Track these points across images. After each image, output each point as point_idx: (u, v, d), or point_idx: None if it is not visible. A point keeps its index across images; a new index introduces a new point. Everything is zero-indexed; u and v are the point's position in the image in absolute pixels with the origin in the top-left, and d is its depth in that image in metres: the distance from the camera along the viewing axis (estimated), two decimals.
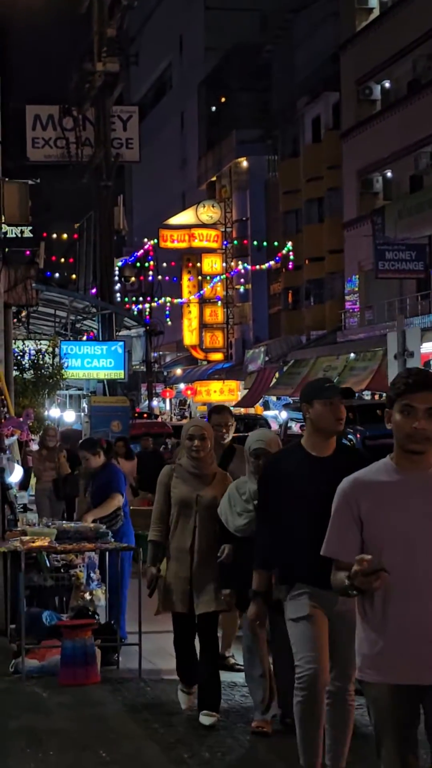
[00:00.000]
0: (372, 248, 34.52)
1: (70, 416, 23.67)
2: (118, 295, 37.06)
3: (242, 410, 40.67)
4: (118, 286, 37.97)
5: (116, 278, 28.41)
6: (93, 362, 20.10)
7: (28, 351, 16.39)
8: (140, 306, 49.27)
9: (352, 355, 34.70)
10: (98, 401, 20.45)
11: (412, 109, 34.80)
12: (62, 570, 9.51)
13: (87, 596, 9.39)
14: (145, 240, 48.50)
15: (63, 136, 21.73)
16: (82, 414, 22.08)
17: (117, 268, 28.39)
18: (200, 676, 7.20)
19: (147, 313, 48.70)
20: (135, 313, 32.22)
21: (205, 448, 7.06)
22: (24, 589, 8.92)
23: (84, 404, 21.39)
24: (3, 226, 9.57)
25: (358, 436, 13.44)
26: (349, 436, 14.03)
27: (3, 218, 9.22)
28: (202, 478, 7.11)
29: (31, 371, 16.32)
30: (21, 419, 9.30)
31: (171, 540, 7.18)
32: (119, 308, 24.09)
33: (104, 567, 9.60)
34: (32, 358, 16.40)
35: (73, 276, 30.18)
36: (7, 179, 9.39)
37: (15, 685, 8.36)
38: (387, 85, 37.59)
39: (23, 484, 12.64)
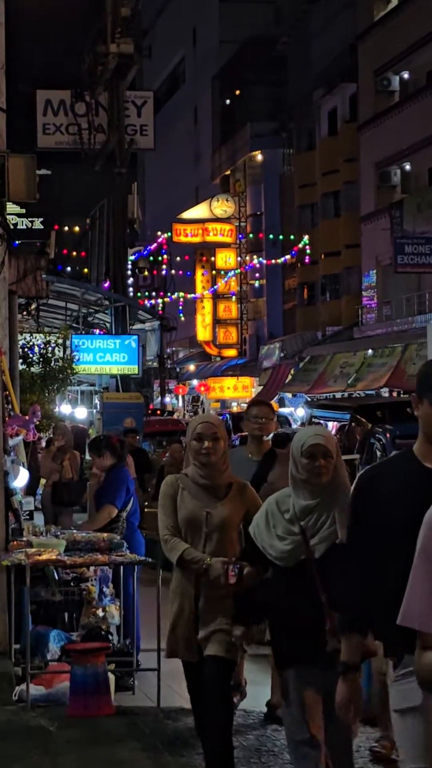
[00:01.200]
0: (390, 242, 33.61)
1: (81, 413, 22.80)
2: (131, 289, 36.24)
3: None
4: (131, 280, 37.14)
5: (129, 270, 27.66)
6: (105, 357, 19.22)
7: (36, 344, 15.36)
8: (153, 301, 48.39)
9: (369, 351, 33.79)
10: (111, 397, 19.59)
11: (431, 100, 33.84)
12: (72, 584, 8.64)
13: (99, 613, 8.51)
14: (159, 233, 47.62)
15: (75, 122, 20.83)
16: (94, 411, 21.20)
17: (130, 262, 27.52)
18: (206, 751, 5.70)
19: (160, 308, 47.84)
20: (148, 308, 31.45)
21: (218, 452, 5.52)
22: (29, 605, 8.05)
23: (96, 401, 20.52)
24: (8, 205, 8.63)
25: (388, 435, 12.57)
26: (378, 436, 13.14)
27: (8, 195, 8.28)
28: (213, 491, 5.61)
29: (39, 365, 15.27)
30: (27, 417, 8.39)
31: (177, 573, 5.71)
32: (133, 300, 23.17)
33: (118, 580, 8.72)
34: (41, 350, 15.34)
35: (85, 270, 29.31)
36: (10, 151, 8.44)
37: (18, 716, 7.48)
38: (406, 75, 36.66)
39: (30, 488, 11.75)
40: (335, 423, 15.28)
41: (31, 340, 15.10)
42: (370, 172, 37.67)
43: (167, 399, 48.66)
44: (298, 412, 36.21)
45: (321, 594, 4.84)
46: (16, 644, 8.43)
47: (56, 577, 8.46)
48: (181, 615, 5.63)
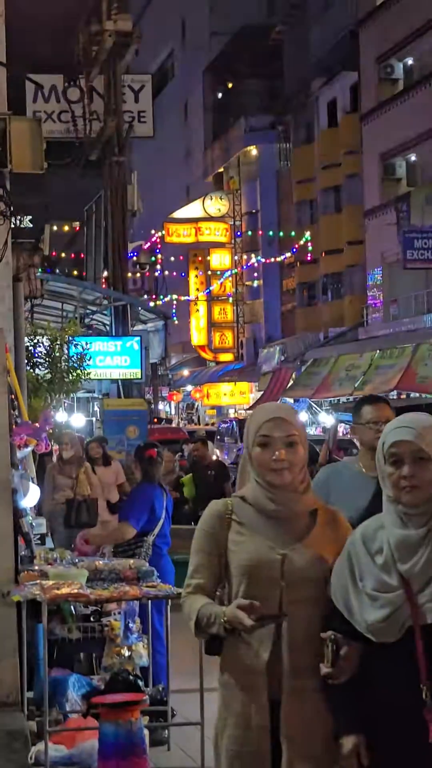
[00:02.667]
0: (397, 237, 32.33)
1: (78, 421, 21.37)
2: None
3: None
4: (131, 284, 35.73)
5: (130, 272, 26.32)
6: (106, 360, 17.80)
7: (41, 342, 13.79)
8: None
9: (377, 352, 32.43)
10: (112, 404, 18.19)
11: None
12: (92, 618, 7.25)
13: (124, 652, 7.13)
14: (153, 231, 46.17)
15: (68, 109, 19.48)
16: (94, 419, 19.81)
17: (132, 254, 26.22)
18: None
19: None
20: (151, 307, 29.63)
21: (296, 463, 3.65)
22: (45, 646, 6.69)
23: (96, 407, 19.11)
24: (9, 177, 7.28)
25: None
26: None
27: (10, 165, 6.93)
28: (290, 523, 3.68)
29: (46, 366, 13.67)
30: (37, 425, 7.03)
31: (226, 653, 3.68)
32: (135, 299, 21.77)
33: (145, 613, 7.36)
34: (47, 348, 13.74)
35: (74, 273, 27.90)
36: (12, 113, 7.10)
37: None
38: (410, 62, 35.35)
39: (41, 507, 10.37)
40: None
41: (35, 338, 13.59)
42: (373, 164, 36.34)
43: (160, 406, 47.29)
44: (322, 418, 34.80)
45: (425, 684, 3.22)
46: (29, 692, 7.06)
47: (73, 612, 7.10)
48: (247, 725, 3.56)
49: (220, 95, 52.10)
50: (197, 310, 50.80)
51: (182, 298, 48.86)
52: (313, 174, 41.65)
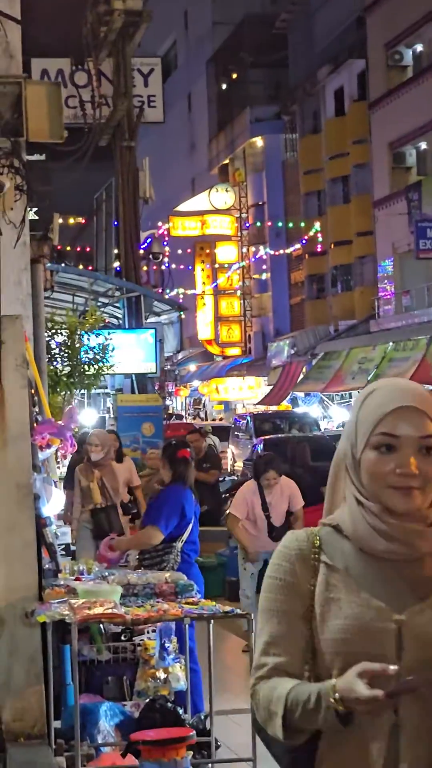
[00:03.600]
0: (408, 227, 31.59)
1: (89, 418, 20.63)
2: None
3: (269, 407, 37.64)
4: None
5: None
6: (119, 354, 17.00)
7: (59, 332, 12.80)
8: None
9: (390, 344, 31.68)
10: (126, 400, 17.44)
11: None
12: (123, 637, 6.51)
13: (159, 675, 6.40)
14: (160, 224, 45.38)
15: (76, 94, 18.70)
16: (107, 416, 19.07)
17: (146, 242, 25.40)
18: None
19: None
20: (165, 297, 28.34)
21: (428, 480, 2.38)
22: (76, 671, 5.95)
23: (109, 404, 18.35)
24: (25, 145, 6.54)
25: None
26: None
27: (27, 134, 6.19)
28: (411, 572, 2.41)
29: (64, 359, 12.72)
30: (62, 423, 6.29)
31: (323, 754, 2.42)
32: (148, 290, 20.98)
33: (181, 631, 6.61)
34: (65, 340, 12.78)
35: (86, 267, 27.03)
36: (28, 76, 6.36)
37: None
38: (419, 48, 34.58)
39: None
40: None
41: (53, 328, 12.64)
42: (383, 153, 35.57)
43: (167, 402, 46.56)
44: (334, 413, 34.06)
45: None
46: (55, 722, 6.32)
47: (102, 630, 6.36)
48: None
49: (224, 86, 51.25)
50: (204, 304, 50.01)
51: (189, 291, 48.06)
52: (321, 164, 40.87)
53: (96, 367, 12.34)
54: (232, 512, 10.26)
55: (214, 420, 45.01)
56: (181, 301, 48.86)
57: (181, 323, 17.89)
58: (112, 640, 6.41)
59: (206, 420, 45.34)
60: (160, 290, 46.87)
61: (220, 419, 46.83)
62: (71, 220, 32.24)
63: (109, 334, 14.63)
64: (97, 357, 12.48)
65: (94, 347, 12.44)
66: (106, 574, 6.30)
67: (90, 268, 24.81)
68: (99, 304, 18.62)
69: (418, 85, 33.83)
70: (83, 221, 32.26)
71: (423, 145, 34.32)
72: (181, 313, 17.57)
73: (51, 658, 5.98)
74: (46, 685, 6.03)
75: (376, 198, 35.99)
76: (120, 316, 17.23)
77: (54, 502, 6.09)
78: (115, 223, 18.62)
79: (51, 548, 6.03)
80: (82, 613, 5.42)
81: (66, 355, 12.36)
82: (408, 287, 33.87)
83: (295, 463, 15.84)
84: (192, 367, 52.89)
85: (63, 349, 12.40)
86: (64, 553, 6.39)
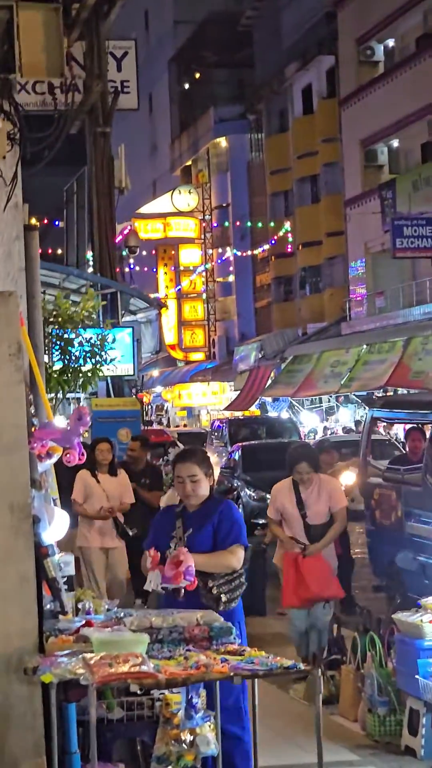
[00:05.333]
0: (381, 226, 30.67)
1: (61, 424, 19.34)
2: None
3: (235, 413, 36.50)
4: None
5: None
6: (116, 359, 15.74)
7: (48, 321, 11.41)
8: None
9: (364, 347, 30.68)
10: (101, 404, 16.21)
11: (423, 68, 30.89)
12: (139, 690, 5.27)
13: (185, 737, 5.17)
14: (125, 224, 44.09)
15: (44, 79, 17.44)
16: None
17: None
18: None
19: None
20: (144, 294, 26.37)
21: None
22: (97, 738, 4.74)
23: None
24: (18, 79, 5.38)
25: None
26: None
27: (20, 69, 5.03)
28: None
29: (56, 352, 11.25)
30: (68, 426, 5.09)
31: None
32: (125, 286, 19.72)
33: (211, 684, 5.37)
34: (55, 328, 11.32)
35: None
36: None
37: None
38: (390, 44, 33.69)
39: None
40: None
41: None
42: (354, 151, 34.61)
43: None
44: (304, 418, 32.85)
45: None
46: None
47: None
48: None
49: (186, 86, 50.14)
50: (167, 309, 48.78)
51: (151, 295, 46.80)
52: (288, 164, 39.91)
53: (93, 362, 10.85)
54: (268, 514, 9.36)
55: (178, 426, 43.83)
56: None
57: (159, 322, 16.92)
58: (125, 694, 5.16)
59: (169, 426, 44.16)
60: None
61: (184, 425, 45.68)
62: (34, 220, 30.80)
63: (109, 322, 13.34)
64: (95, 349, 10.97)
65: (91, 338, 10.91)
66: (122, 614, 5.07)
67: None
68: (71, 302, 17.36)
69: (389, 81, 32.95)
70: (51, 223, 30.88)
71: (395, 143, 33.43)
72: (161, 311, 16.47)
73: (54, 724, 4.74)
74: (49, 757, 4.80)
75: (348, 197, 35.05)
76: (95, 314, 16.01)
77: (57, 526, 4.88)
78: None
79: (54, 584, 4.79)
80: (102, 672, 4.21)
81: (58, 347, 10.84)
82: (381, 288, 32.95)
83: (274, 471, 14.39)
84: (155, 372, 51.71)
85: (54, 340, 10.88)
86: (67, 587, 5.15)
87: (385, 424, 18.20)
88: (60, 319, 11.16)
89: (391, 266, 31.84)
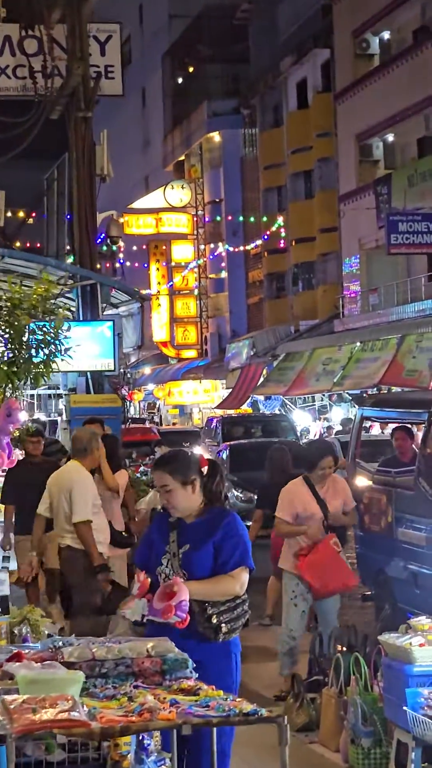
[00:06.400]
0: (376, 222, 30.00)
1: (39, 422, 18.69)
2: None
3: (230, 410, 35.84)
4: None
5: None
6: (72, 349, 15.10)
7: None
8: None
9: (357, 344, 30.05)
10: (80, 401, 15.54)
11: (420, 61, 30.26)
12: None
13: None
14: (107, 213, 43.34)
15: (25, 63, 16.78)
16: (60, 419, 17.14)
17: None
18: None
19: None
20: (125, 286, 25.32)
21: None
22: None
23: (61, 405, 16.41)
24: None
25: None
26: None
27: None
28: None
29: (4, 340, 10.43)
30: None
31: None
32: (106, 277, 19.03)
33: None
34: (4, 315, 10.53)
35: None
36: None
37: None
38: (386, 36, 33.04)
39: None
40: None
41: None
42: (349, 145, 33.95)
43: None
44: (297, 417, 32.07)
45: None
46: None
47: None
48: None
49: (180, 80, 49.41)
50: (159, 305, 48.18)
51: (143, 291, 46.12)
52: (282, 159, 39.27)
53: (46, 352, 10.01)
54: (278, 516, 8.63)
55: (169, 425, 43.23)
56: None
57: (142, 316, 16.34)
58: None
59: (161, 424, 43.54)
60: (113, 289, 44.87)
61: (174, 423, 45.09)
62: (9, 213, 30.09)
63: (68, 307, 12.59)
64: (48, 338, 10.14)
65: (44, 324, 10.05)
66: (60, 644, 4.37)
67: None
68: (50, 294, 16.66)
69: (385, 75, 32.31)
70: (28, 215, 30.11)
71: (390, 138, 32.80)
72: (143, 304, 15.75)
73: None
74: None
75: (342, 192, 34.41)
76: (74, 307, 15.35)
77: None
78: (68, 216, 16.73)
79: None
80: (23, 721, 3.52)
81: (8, 335, 9.99)
82: (375, 285, 32.33)
83: (263, 472, 13.66)
84: (146, 369, 51.09)
85: (2, 328, 10.07)
86: (1, 609, 4.44)
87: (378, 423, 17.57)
88: (9, 304, 10.37)
89: (385, 263, 31.25)
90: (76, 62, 15.46)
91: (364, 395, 16.71)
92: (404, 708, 5.74)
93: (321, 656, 7.80)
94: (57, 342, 10.36)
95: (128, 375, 52.62)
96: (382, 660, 6.36)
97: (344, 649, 7.45)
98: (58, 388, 17.35)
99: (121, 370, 48.00)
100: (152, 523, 5.52)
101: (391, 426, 11.88)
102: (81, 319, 15.48)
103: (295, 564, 8.42)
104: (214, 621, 4.88)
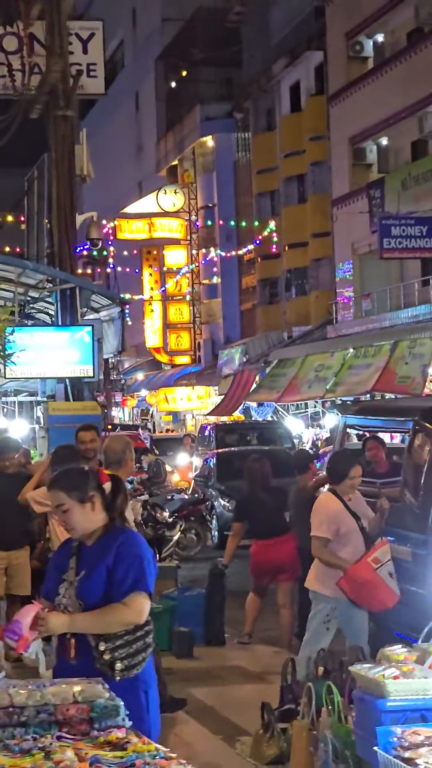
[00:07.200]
0: (369, 226, 29.58)
1: (20, 429, 18.26)
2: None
3: (222, 418, 35.37)
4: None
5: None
6: (50, 355, 14.65)
7: None
8: None
9: (350, 351, 29.59)
10: (58, 409, 15.08)
11: (414, 63, 29.85)
12: None
13: None
14: (104, 222, 42.88)
15: (4, 61, 16.32)
16: (37, 426, 16.68)
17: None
18: None
19: None
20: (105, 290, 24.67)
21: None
22: None
23: (39, 413, 15.97)
24: None
25: None
26: None
27: None
28: None
29: None
30: None
31: None
32: (85, 281, 18.56)
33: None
34: None
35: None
36: None
37: None
38: (380, 39, 32.62)
39: None
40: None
41: None
42: (342, 149, 33.50)
43: (113, 412, 44.12)
44: (289, 424, 31.55)
45: None
46: None
47: None
48: None
49: (173, 84, 48.99)
50: (152, 311, 47.72)
51: (136, 297, 45.66)
52: (275, 163, 38.84)
53: None
54: (318, 534, 8.09)
55: (164, 432, 42.77)
56: (127, 306, 46.38)
57: (123, 320, 15.93)
58: None
59: (154, 432, 43.08)
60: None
61: (169, 430, 44.65)
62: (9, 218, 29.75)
63: (12, 331, 12.10)
64: None
65: None
66: None
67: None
68: (29, 299, 16.23)
69: (378, 77, 31.89)
70: (7, 218, 29.62)
71: (384, 141, 32.36)
72: (124, 308, 15.31)
73: None
74: None
75: (335, 196, 33.96)
76: (53, 312, 14.88)
77: None
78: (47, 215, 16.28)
79: None
80: None
81: None
82: (368, 290, 31.88)
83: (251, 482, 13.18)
84: (139, 376, 50.63)
85: None
86: None
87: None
88: None
89: (378, 268, 30.81)
90: (54, 59, 15.00)
91: (348, 402, 16.25)
92: (374, 749, 5.24)
93: (294, 682, 7.31)
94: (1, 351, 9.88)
95: (122, 381, 52.22)
96: (353, 693, 5.87)
97: (320, 674, 6.98)
98: (37, 395, 16.91)
99: (115, 376, 47.60)
100: (56, 551, 5.06)
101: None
102: (60, 323, 15.00)
103: (335, 588, 7.94)
104: (107, 657, 4.35)
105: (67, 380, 15.03)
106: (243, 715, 8.00)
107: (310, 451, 22.09)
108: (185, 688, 8.86)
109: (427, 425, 9.45)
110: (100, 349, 15.63)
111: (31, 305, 15.23)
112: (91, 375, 14.96)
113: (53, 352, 14.67)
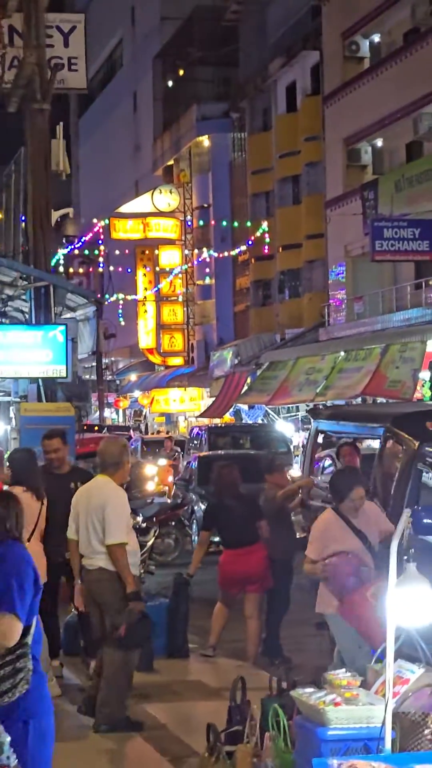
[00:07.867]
0: (362, 228, 29.23)
1: None
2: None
3: (215, 420, 35.00)
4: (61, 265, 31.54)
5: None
6: (22, 355, 14.25)
7: None
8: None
9: (341, 354, 29.24)
10: (30, 409, 14.69)
11: (410, 63, 29.48)
12: None
13: None
14: (95, 221, 42.51)
15: None
16: (9, 428, 16.29)
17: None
18: None
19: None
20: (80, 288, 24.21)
21: None
22: None
23: (12, 413, 15.58)
24: None
25: None
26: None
27: None
28: None
29: None
30: None
31: None
32: (60, 278, 18.15)
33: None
34: None
35: None
36: None
37: None
38: (376, 39, 32.27)
39: None
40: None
41: None
42: (337, 150, 33.13)
43: (106, 413, 43.72)
44: (280, 427, 31.18)
45: None
46: None
47: None
48: None
49: (170, 83, 48.63)
50: (145, 311, 47.36)
51: (129, 297, 45.30)
52: (270, 163, 38.48)
53: None
54: (306, 553, 7.81)
55: (153, 433, 42.40)
56: (120, 307, 46.11)
57: (98, 320, 15.62)
58: None
59: (147, 433, 42.68)
60: (99, 295, 44.08)
61: (160, 432, 44.28)
62: None
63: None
64: None
65: None
66: None
67: None
68: (4, 296, 15.85)
69: (374, 78, 31.54)
70: None
71: (379, 143, 31.99)
72: (99, 307, 14.98)
73: None
74: None
75: (329, 198, 33.60)
76: (25, 308, 14.50)
77: None
78: (23, 218, 15.90)
79: None
80: None
81: None
82: (361, 293, 31.53)
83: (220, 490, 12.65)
84: (133, 376, 50.29)
85: None
86: None
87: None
88: None
89: (371, 270, 30.48)
90: (30, 50, 14.63)
91: (320, 408, 15.84)
92: None
93: (243, 702, 6.92)
94: None
95: (116, 382, 51.86)
96: (294, 720, 5.50)
97: (271, 693, 6.60)
98: (9, 394, 16.54)
99: (109, 377, 47.18)
100: None
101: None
102: (33, 322, 14.63)
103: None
104: None
105: (39, 380, 14.64)
106: (194, 735, 7.60)
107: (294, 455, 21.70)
108: (139, 704, 8.48)
109: (398, 432, 9.10)
110: (75, 349, 15.26)
111: (8, 303, 14.86)
112: (65, 375, 14.59)
113: (26, 352, 14.30)
